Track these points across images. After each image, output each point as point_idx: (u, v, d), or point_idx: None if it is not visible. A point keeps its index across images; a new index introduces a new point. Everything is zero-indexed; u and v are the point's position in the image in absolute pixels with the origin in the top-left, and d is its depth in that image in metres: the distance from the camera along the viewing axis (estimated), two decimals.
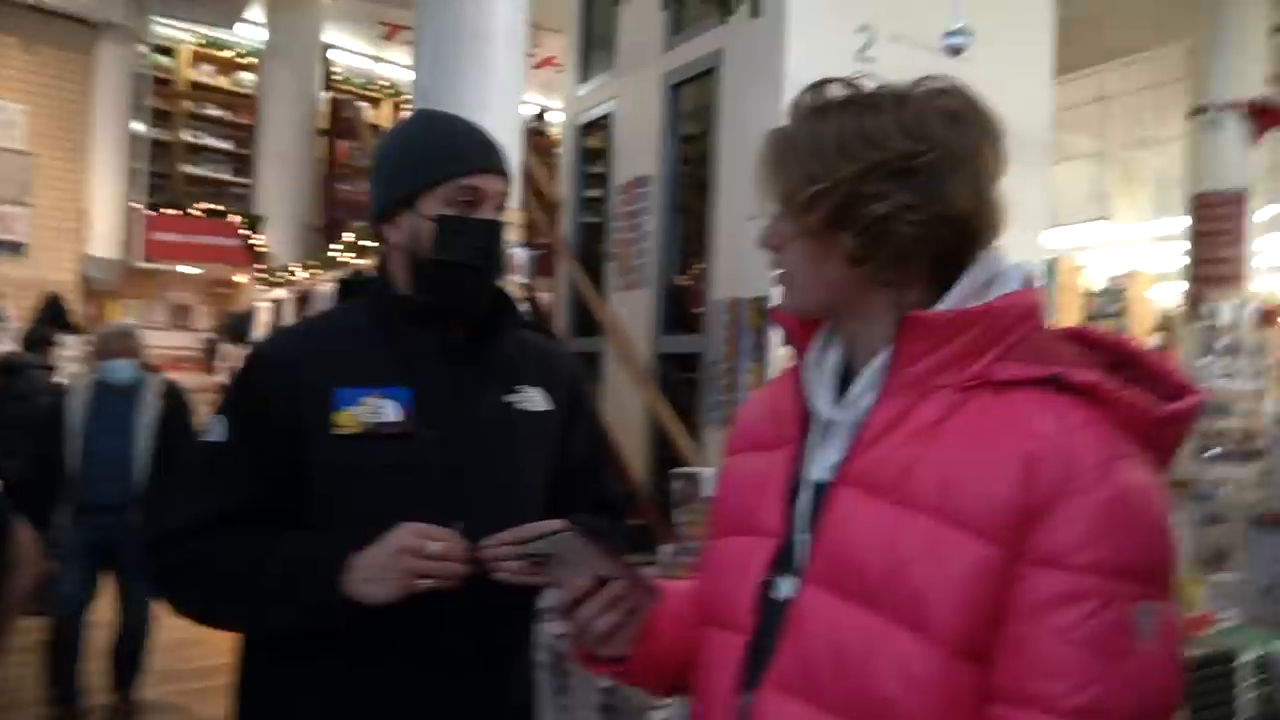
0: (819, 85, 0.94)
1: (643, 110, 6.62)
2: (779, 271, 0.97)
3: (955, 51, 4.57)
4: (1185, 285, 7.08)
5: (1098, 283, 11.10)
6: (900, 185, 0.87)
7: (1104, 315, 11.05)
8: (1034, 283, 0.91)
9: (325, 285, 4.91)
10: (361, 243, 5.13)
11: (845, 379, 0.96)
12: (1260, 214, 8.17)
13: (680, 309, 6.35)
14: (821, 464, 0.93)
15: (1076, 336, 0.92)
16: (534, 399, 1.44)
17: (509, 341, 1.45)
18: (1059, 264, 10.53)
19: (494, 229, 1.37)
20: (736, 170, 5.67)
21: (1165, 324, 10.22)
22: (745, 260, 5.48)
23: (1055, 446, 0.80)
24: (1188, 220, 7.90)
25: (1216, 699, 1.74)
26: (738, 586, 0.95)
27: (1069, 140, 9.39)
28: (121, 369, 3.94)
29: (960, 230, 0.89)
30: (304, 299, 5.26)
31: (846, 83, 0.94)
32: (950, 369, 0.87)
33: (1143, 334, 10.69)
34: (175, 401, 4.08)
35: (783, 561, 0.93)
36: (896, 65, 5.75)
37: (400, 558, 1.21)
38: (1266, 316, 6.88)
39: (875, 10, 5.58)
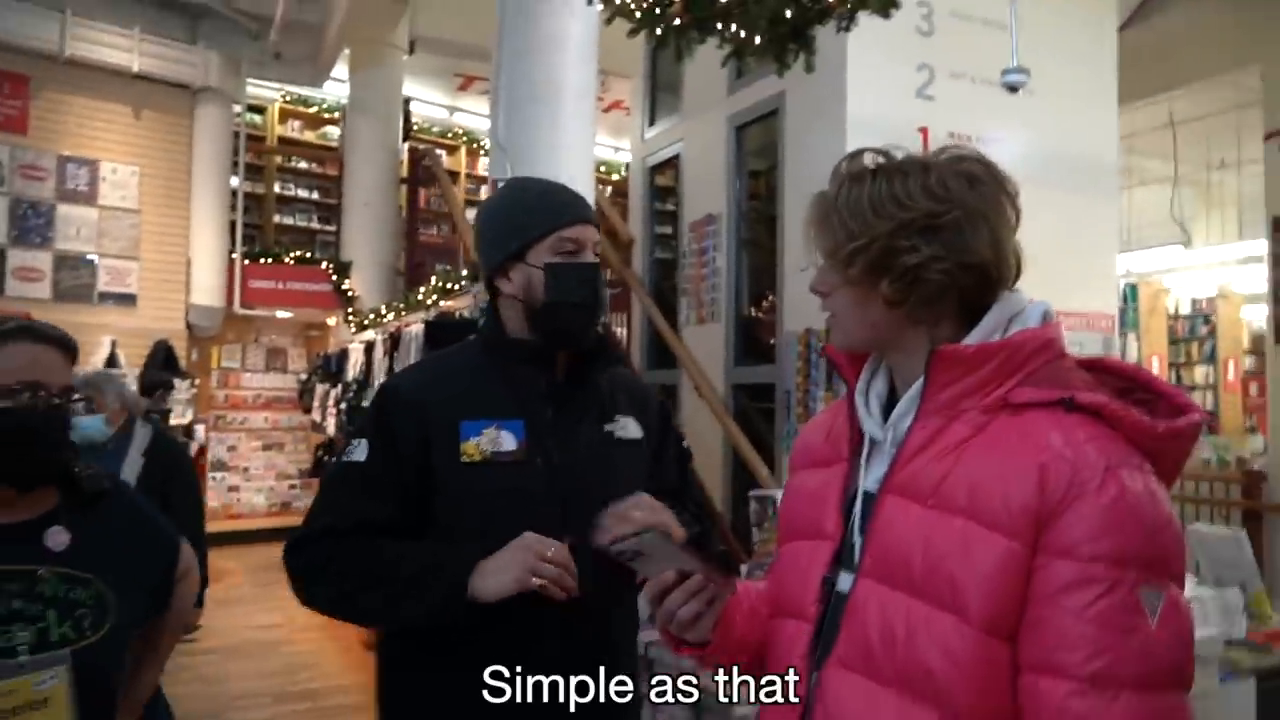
0: (856, 154, 1.12)
1: (709, 151, 6.85)
2: (828, 314, 1.15)
3: (1013, 89, 4.68)
4: (1272, 307, 6.98)
5: (1183, 305, 10.93)
6: (927, 240, 1.03)
7: (1192, 337, 10.87)
8: (1052, 318, 1.06)
9: (413, 326, 5.21)
10: (446, 285, 5.43)
11: (890, 404, 1.13)
12: None
13: (752, 341, 6.52)
14: (871, 477, 1.09)
15: (1091, 365, 1.07)
16: (629, 428, 1.63)
17: (604, 376, 1.64)
18: (1141, 288, 10.41)
19: (596, 271, 1.56)
20: (802, 205, 5.81)
21: (1256, 345, 9.98)
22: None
23: (1064, 457, 0.94)
24: (1268, 243, 7.78)
25: None
26: (804, 582, 1.12)
27: (1143, 165, 9.33)
28: (87, 426, 3.00)
29: (982, 276, 1.05)
30: (395, 339, 5.56)
31: (879, 152, 1.11)
32: (974, 395, 1.02)
33: (1232, 355, 10.46)
34: (163, 457, 3.45)
35: (841, 559, 1.10)
36: (957, 101, 5.86)
37: (522, 553, 1.39)
38: None
39: (934, 49, 5.73)
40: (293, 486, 10.56)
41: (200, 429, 8.52)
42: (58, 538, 1.40)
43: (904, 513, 1.02)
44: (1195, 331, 10.84)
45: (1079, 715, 0.89)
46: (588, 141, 4.37)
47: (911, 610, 0.98)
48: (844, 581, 1.08)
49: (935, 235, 1.03)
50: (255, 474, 10.48)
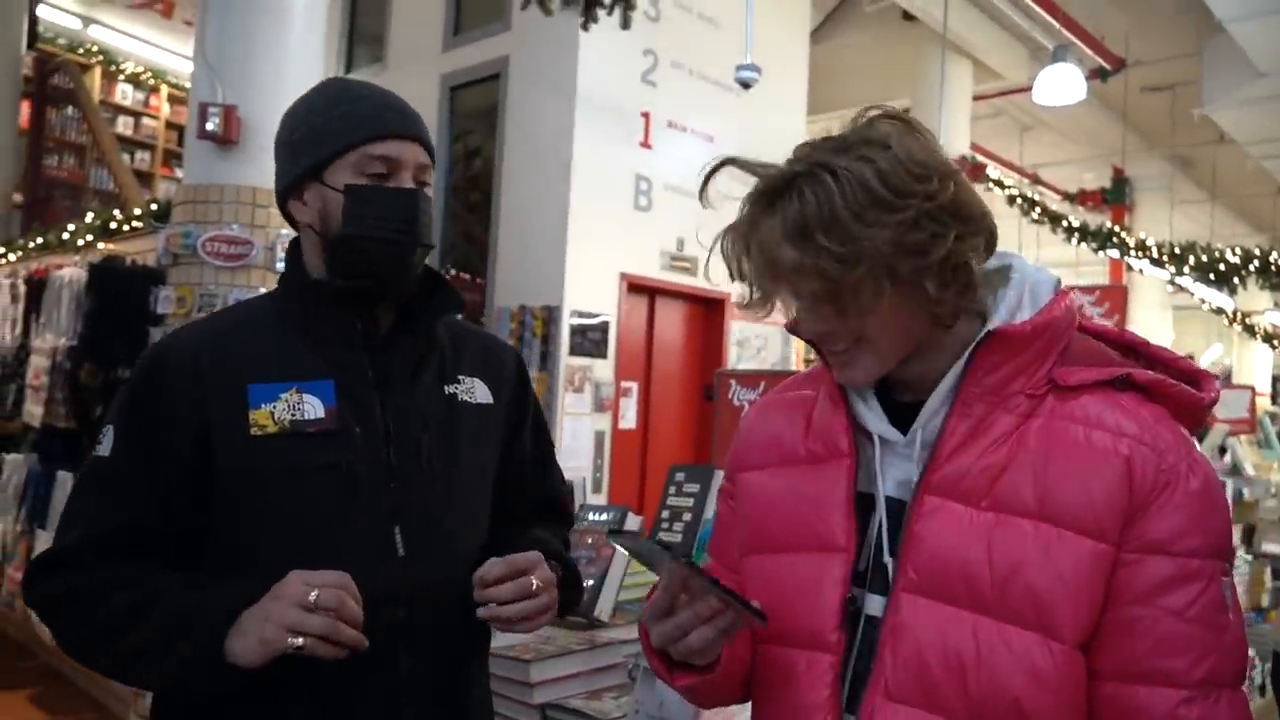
0: (720, 166, 0.96)
1: (417, 110, 6.39)
2: (842, 351, 0.93)
3: (746, 85, 4.86)
4: None
5: None
6: (941, 220, 0.86)
7: None
8: (1061, 285, 0.98)
9: (66, 270, 4.28)
10: (109, 224, 4.53)
11: (882, 395, 0.98)
12: None
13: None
14: (890, 480, 0.94)
15: (1093, 333, 0.99)
16: (476, 391, 1.33)
17: (443, 328, 1.33)
18: None
19: (409, 198, 1.21)
20: (521, 177, 5.65)
21: None
22: (531, 269, 5.47)
23: (1144, 443, 0.86)
24: None
25: None
26: (815, 604, 0.94)
27: None
28: None
29: (990, 234, 0.92)
30: (35, 286, 4.53)
31: (763, 167, 0.92)
32: (1021, 376, 0.91)
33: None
34: None
35: (861, 577, 0.93)
36: (675, 91, 6.06)
37: (274, 604, 1.03)
38: None
39: (658, 38, 5.81)
40: None
41: None
42: None
43: (952, 517, 0.89)
44: None
45: None
46: (316, 68, 3.84)
47: (981, 629, 0.85)
48: (873, 603, 0.92)
49: (943, 211, 0.87)
50: None
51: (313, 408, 1.18)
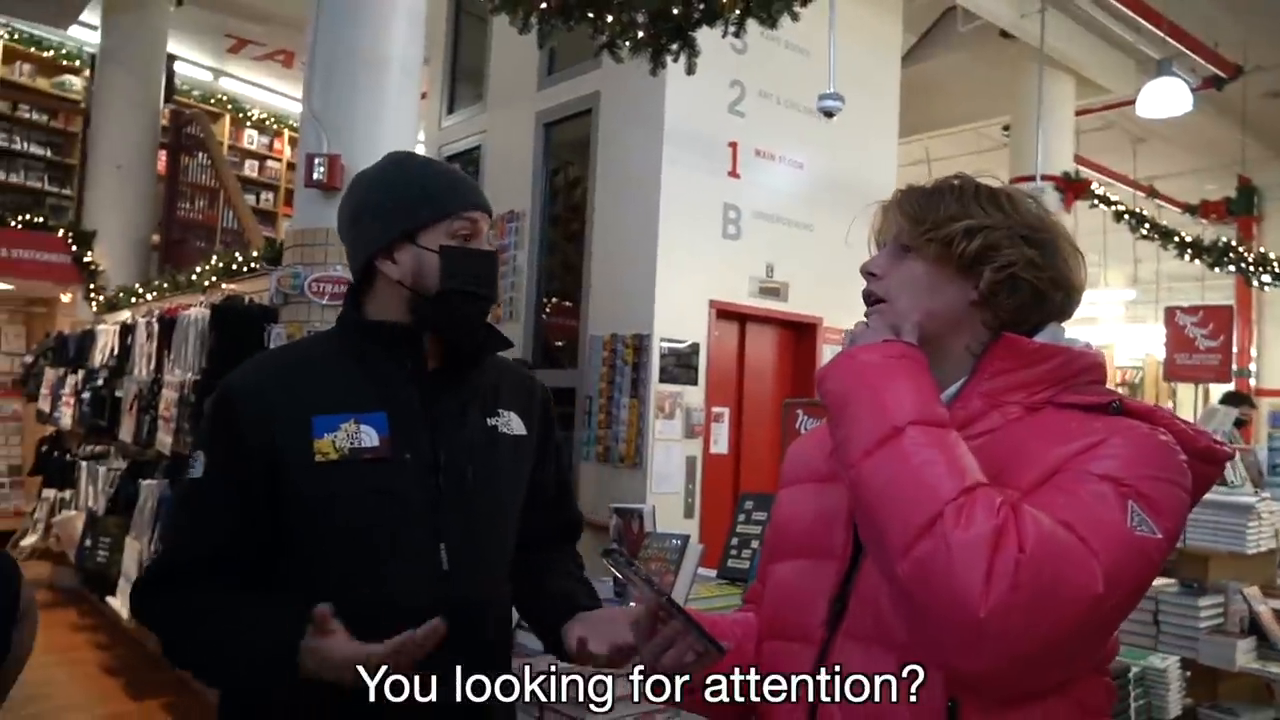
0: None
1: (516, 146, 6.68)
2: (872, 297, 1.08)
3: (829, 114, 4.90)
4: None
5: None
6: (1028, 246, 1.03)
7: None
8: (1100, 357, 1.07)
9: (193, 310, 4.65)
10: (230, 266, 4.90)
11: None
12: None
13: (553, 343, 6.42)
14: None
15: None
16: (513, 423, 1.49)
17: (489, 366, 1.49)
18: None
19: (493, 259, 1.43)
20: (613, 209, 5.82)
21: None
22: (622, 298, 5.62)
23: (1112, 430, 0.93)
24: None
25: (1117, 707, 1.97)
26: (808, 605, 1.05)
27: None
28: None
29: (1067, 298, 1.06)
30: (167, 324, 4.93)
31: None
32: (1021, 390, 1.00)
33: None
34: None
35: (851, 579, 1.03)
36: (763, 120, 6.06)
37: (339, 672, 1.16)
38: None
39: (745, 69, 5.91)
40: (0, 485, 9.16)
41: None
42: None
43: None
44: None
45: None
46: (412, 117, 4.09)
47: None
48: None
49: (1034, 246, 1.04)
50: None
51: (369, 437, 1.34)
